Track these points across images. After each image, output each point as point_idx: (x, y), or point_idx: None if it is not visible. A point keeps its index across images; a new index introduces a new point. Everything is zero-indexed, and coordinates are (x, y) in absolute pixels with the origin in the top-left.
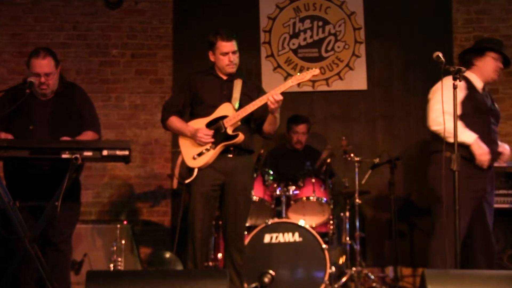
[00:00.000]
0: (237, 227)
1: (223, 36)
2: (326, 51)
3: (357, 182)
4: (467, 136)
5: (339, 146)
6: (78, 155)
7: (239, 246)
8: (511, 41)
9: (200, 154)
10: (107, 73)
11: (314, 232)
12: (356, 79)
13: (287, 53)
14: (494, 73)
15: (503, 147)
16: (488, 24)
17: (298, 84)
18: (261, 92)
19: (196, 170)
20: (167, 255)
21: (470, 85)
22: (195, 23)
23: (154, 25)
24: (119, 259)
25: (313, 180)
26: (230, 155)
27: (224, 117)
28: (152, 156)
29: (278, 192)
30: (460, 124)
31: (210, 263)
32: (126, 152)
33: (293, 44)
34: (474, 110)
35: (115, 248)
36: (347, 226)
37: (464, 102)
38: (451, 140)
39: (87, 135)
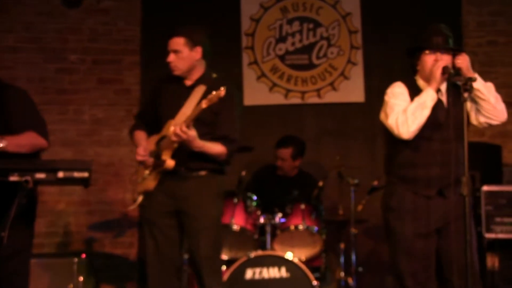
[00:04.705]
0: (203, 266)
1: (172, 32)
2: (318, 57)
3: (353, 209)
4: (426, 95)
5: (332, 167)
6: (29, 178)
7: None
8: None
9: (143, 178)
10: (64, 82)
11: (303, 266)
12: (352, 90)
13: (273, 59)
14: (436, 70)
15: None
16: (503, 28)
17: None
18: (226, 103)
19: (140, 196)
20: None
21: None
22: (166, 24)
23: (120, 27)
24: None
25: (303, 207)
26: (182, 175)
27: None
28: (116, 178)
29: (262, 220)
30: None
31: None
32: (86, 174)
33: (280, 49)
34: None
35: (71, 286)
36: (342, 259)
37: None
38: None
39: (28, 136)
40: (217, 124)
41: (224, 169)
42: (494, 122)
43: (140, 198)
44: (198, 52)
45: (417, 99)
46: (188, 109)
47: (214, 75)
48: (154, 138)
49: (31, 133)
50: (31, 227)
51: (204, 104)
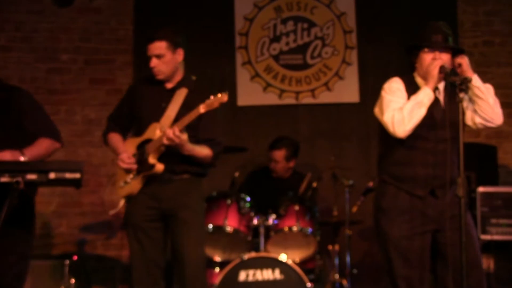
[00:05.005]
0: (188, 266)
1: (148, 36)
2: (312, 57)
3: (347, 210)
4: (423, 93)
5: (326, 167)
6: (20, 179)
7: None
8: None
9: (126, 183)
10: (56, 82)
11: (297, 268)
12: (347, 90)
13: (267, 59)
14: (433, 69)
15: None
16: (499, 27)
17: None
18: None
19: (122, 200)
20: None
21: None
22: (159, 24)
23: (112, 26)
24: None
25: (297, 208)
26: (166, 178)
27: (150, 141)
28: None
29: (255, 222)
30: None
31: None
32: (78, 175)
33: (274, 49)
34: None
35: None
36: (337, 261)
37: None
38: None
39: (42, 144)
40: (201, 127)
41: (206, 172)
42: (489, 124)
43: (122, 202)
44: (180, 54)
45: (414, 98)
46: (172, 112)
47: (194, 77)
48: (133, 140)
49: (45, 140)
50: (32, 233)
51: (202, 109)
